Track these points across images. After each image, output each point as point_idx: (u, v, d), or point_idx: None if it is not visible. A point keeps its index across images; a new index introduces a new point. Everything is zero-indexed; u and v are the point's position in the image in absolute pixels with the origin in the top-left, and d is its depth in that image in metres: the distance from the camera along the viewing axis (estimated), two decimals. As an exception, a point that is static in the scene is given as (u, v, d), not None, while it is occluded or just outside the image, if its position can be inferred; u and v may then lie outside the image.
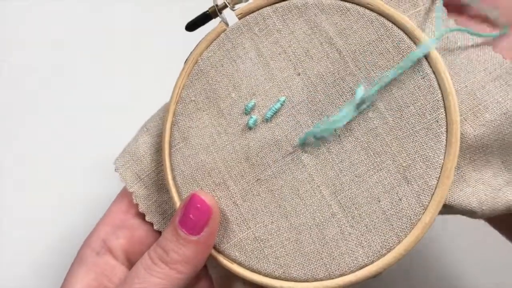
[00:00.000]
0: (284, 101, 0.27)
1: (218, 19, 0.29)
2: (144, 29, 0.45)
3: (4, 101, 0.44)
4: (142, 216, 0.29)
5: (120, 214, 0.29)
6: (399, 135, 0.25)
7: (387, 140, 0.25)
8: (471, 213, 0.26)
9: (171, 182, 0.28)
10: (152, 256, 0.26)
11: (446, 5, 0.26)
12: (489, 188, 0.26)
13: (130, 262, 0.29)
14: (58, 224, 0.41)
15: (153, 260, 0.26)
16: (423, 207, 0.25)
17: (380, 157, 0.25)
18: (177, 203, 0.28)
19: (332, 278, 0.26)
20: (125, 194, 0.30)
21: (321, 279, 0.26)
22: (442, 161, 0.24)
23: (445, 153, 0.24)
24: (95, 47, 0.45)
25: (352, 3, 0.26)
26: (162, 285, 0.25)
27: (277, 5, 0.28)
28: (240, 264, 0.27)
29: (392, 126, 0.25)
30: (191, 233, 0.25)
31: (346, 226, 0.26)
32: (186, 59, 0.29)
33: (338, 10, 0.27)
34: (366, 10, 0.26)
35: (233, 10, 0.29)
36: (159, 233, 0.29)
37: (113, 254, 0.28)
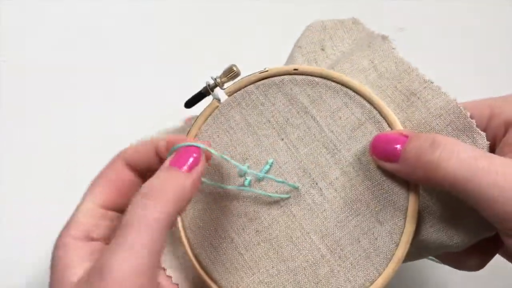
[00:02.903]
0: (272, 163, 0.32)
1: (211, 96, 0.35)
2: (145, 29, 0.47)
3: (4, 101, 0.44)
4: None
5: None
6: (369, 185, 0.30)
7: (360, 189, 0.30)
8: (447, 246, 0.31)
9: (185, 240, 0.33)
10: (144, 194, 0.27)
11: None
12: (449, 221, 0.31)
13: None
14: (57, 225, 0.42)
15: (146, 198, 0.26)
16: (395, 244, 0.29)
17: (356, 204, 0.30)
18: (192, 257, 0.33)
19: None
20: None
21: None
22: (407, 204, 0.29)
23: (408, 197, 0.29)
24: (96, 46, 0.46)
25: (320, 77, 0.32)
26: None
27: (258, 83, 0.33)
28: None
29: (363, 178, 0.30)
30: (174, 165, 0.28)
31: (335, 265, 0.30)
32: (188, 132, 0.35)
33: (309, 84, 0.32)
34: (332, 82, 0.32)
35: (223, 89, 0.34)
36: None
37: None
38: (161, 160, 0.30)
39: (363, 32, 0.35)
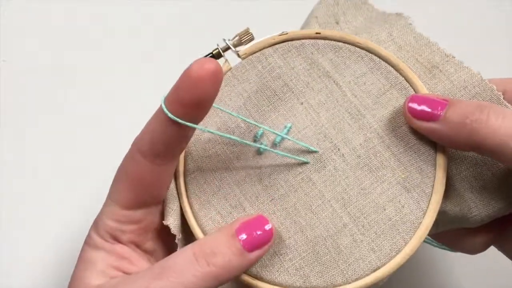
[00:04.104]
0: (290, 127, 0.30)
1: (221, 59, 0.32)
2: (145, 29, 0.46)
3: (4, 101, 0.44)
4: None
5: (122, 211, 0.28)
6: (395, 152, 0.29)
7: (385, 156, 0.29)
8: (465, 219, 0.30)
9: (188, 208, 0.30)
10: (196, 252, 0.26)
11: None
12: (474, 196, 0.30)
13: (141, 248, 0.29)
14: (59, 225, 0.42)
15: (197, 257, 0.26)
16: (422, 212, 0.28)
17: (381, 171, 0.29)
18: (195, 227, 0.30)
19: (350, 283, 0.28)
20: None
21: (339, 285, 0.28)
22: (434, 171, 0.28)
23: (435, 164, 0.29)
24: (96, 46, 0.46)
25: (343, 42, 0.31)
26: (196, 285, 0.25)
27: (277, 45, 0.32)
28: (262, 279, 0.29)
29: (389, 144, 0.29)
30: (246, 248, 0.26)
31: (358, 234, 0.28)
32: None
33: (332, 49, 0.31)
34: (356, 48, 0.31)
35: (236, 52, 0.32)
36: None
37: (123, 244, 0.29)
38: (177, 128, 0.27)
39: (373, 11, 0.35)
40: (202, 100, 0.26)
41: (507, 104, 0.29)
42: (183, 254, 0.26)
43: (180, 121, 0.26)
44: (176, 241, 0.29)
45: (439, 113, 0.27)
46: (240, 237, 0.27)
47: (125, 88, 0.45)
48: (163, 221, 0.30)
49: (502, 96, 0.29)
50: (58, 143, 0.43)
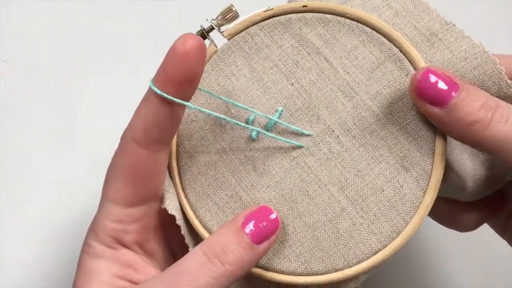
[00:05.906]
0: (282, 111, 0.29)
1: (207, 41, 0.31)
2: (145, 28, 0.46)
3: (4, 101, 0.44)
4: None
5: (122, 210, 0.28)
6: (392, 129, 0.28)
7: (382, 134, 0.28)
8: (461, 191, 0.29)
9: (184, 200, 0.30)
10: (207, 252, 0.25)
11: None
12: (469, 167, 0.29)
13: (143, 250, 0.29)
14: (58, 224, 0.42)
15: (209, 257, 0.25)
16: (423, 190, 0.27)
17: (378, 151, 0.28)
18: (193, 219, 0.30)
19: (351, 267, 0.28)
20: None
21: (341, 269, 0.28)
22: (434, 147, 0.27)
23: (435, 140, 0.27)
24: (97, 46, 0.46)
25: (332, 14, 0.29)
26: (212, 286, 0.25)
27: (262, 23, 0.30)
28: (263, 268, 0.29)
29: (385, 122, 0.28)
30: (254, 241, 0.26)
31: (357, 218, 0.28)
32: None
33: (321, 22, 0.29)
34: (346, 19, 0.29)
35: (221, 32, 0.30)
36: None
37: (127, 247, 0.28)
38: (169, 108, 0.26)
39: None
40: (191, 75, 0.26)
41: (507, 80, 0.27)
42: (195, 257, 0.25)
43: (171, 98, 0.26)
44: (177, 222, 0.29)
45: (447, 99, 0.25)
46: (247, 231, 0.26)
47: (125, 88, 0.44)
48: (161, 205, 0.29)
49: (504, 70, 0.27)
50: (58, 143, 0.44)
